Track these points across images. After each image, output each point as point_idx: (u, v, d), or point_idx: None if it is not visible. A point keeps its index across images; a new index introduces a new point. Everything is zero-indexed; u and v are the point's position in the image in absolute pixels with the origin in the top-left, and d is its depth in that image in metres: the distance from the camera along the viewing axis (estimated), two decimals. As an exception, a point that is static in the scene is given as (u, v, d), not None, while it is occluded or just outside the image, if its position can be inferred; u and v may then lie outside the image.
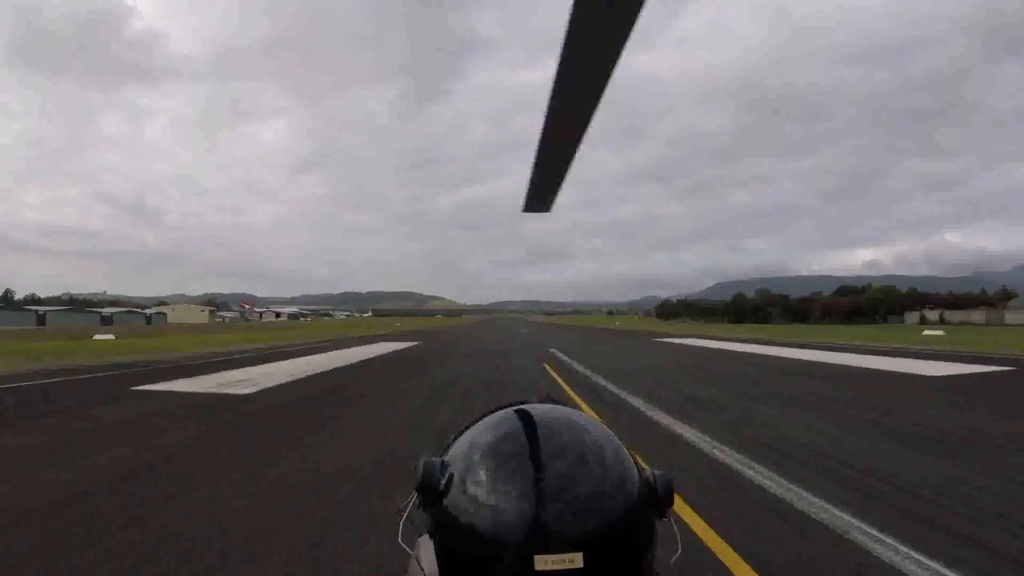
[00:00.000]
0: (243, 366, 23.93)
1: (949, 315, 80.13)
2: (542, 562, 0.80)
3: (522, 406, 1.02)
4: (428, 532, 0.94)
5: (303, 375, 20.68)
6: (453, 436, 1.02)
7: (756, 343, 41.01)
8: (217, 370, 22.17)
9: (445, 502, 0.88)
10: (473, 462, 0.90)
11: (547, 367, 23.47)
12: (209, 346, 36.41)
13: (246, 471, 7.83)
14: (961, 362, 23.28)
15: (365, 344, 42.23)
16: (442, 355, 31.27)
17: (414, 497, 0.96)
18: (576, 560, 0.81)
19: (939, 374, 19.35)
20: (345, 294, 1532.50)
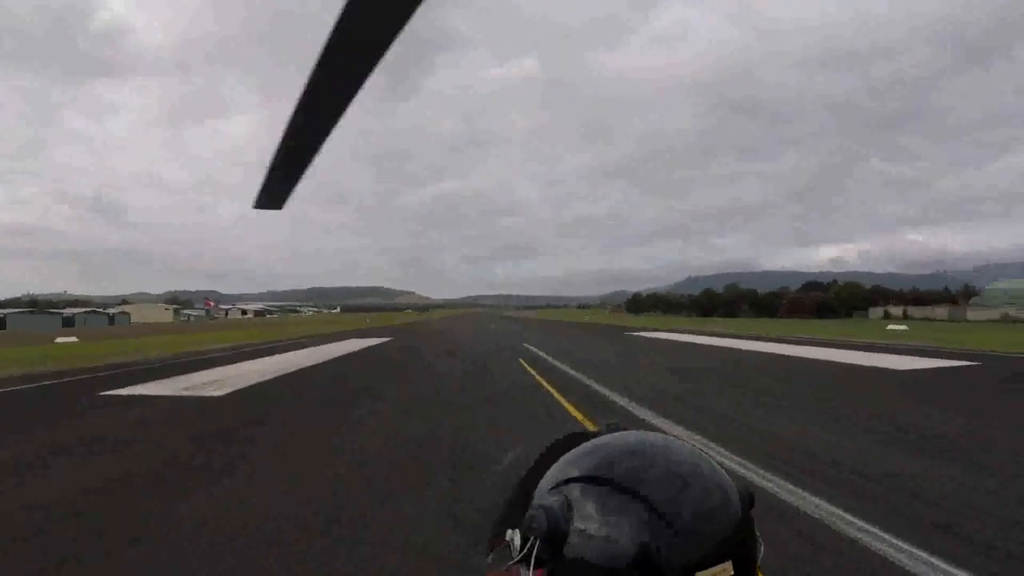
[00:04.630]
0: (213, 367, 23.57)
1: (912, 311, 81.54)
2: None
3: (601, 435, 1.03)
4: None
5: (272, 376, 20.57)
6: (528, 476, 1.04)
7: (725, 337, 41.49)
8: (185, 372, 21.87)
9: (577, 546, 0.87)
10: (599, 498, 0.89)
11: (523, 363, 23.61)
12: (177, 347, 35.79)
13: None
14: (926, 356, 23.75)
15: (333, 342, 41.70)
16: (414, 352, 31.17)
17: (529, 547, 0.91)
18: (728, 568, 0.86)
19: (903, 368, 19.78)
20: (312, 290, 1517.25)
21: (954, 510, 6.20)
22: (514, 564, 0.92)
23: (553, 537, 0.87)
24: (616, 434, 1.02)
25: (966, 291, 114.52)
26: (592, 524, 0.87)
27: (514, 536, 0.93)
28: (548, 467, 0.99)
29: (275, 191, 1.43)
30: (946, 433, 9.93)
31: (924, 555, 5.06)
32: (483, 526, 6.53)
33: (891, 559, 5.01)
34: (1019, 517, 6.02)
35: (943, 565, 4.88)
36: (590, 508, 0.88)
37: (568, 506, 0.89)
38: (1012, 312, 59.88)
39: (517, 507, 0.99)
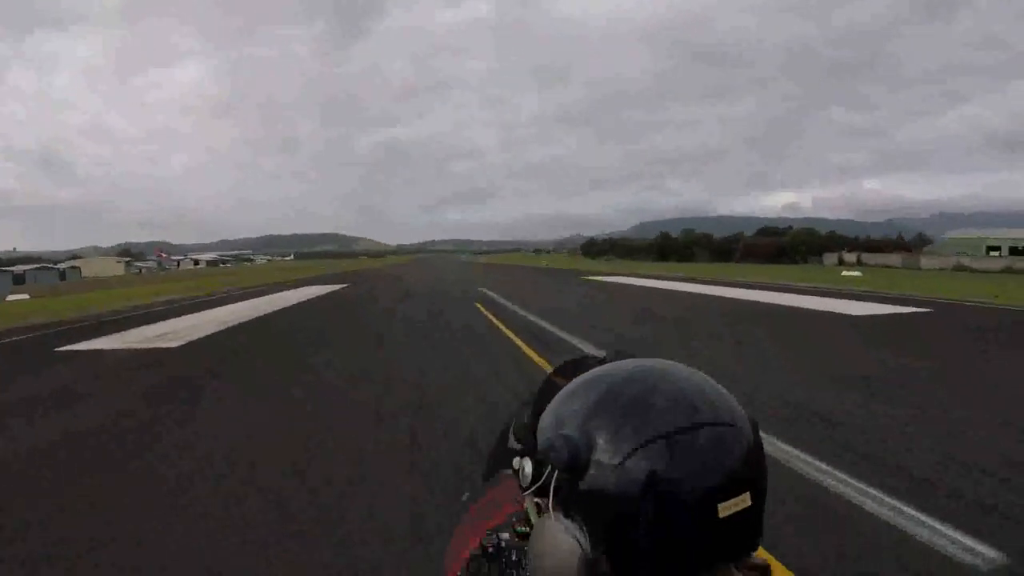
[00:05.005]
0: (167, 319, 23.31)
1: (867, 258, 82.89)
2: (724, 509, 0.83)
3: (607, 362, 1.01)
4: (563, 513, 0.88)
5: (227, 326, 20.60)
6: (532, 406, 1.01)
7: (681, 281, 41.78)
8: (139, 325, 21.64)
9: (595, 477, 0.85)
10: (616, 428, 0.86)
11: (479, 307, 24.01)
12: (129, 300, 35.11)
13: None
14: (876, 302, 24.05)
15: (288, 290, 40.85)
16: (371, 300, 31.28)
17: (547, 476, 0.88)
18: (746, 499, 0.85)
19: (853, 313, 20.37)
20: (266, 237, 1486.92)
21: (873, 439, 6.77)
22: (526, 493, 0.93)
23: (573, 467, 0.85)
24: (625, 361, 0.99)
25: (920, 239, 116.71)
26: (609, 456, 0.84)
27: (524, 465, 0.93)
28: (552, 396, 0.97)
29: None
30: (871, 374, 10.34)
31: (843, 475, 5.59)
32: (435, 442, 6.97)
33: (811, 478, 5.52)
34: (911, 432, 6.68)
35: (857, 483, 5.40)
36: (606, 439, 0.85)
37: (588, 436, 0.86)
38: (965, 261, 61.10)
39: (522, 436, 0.99)
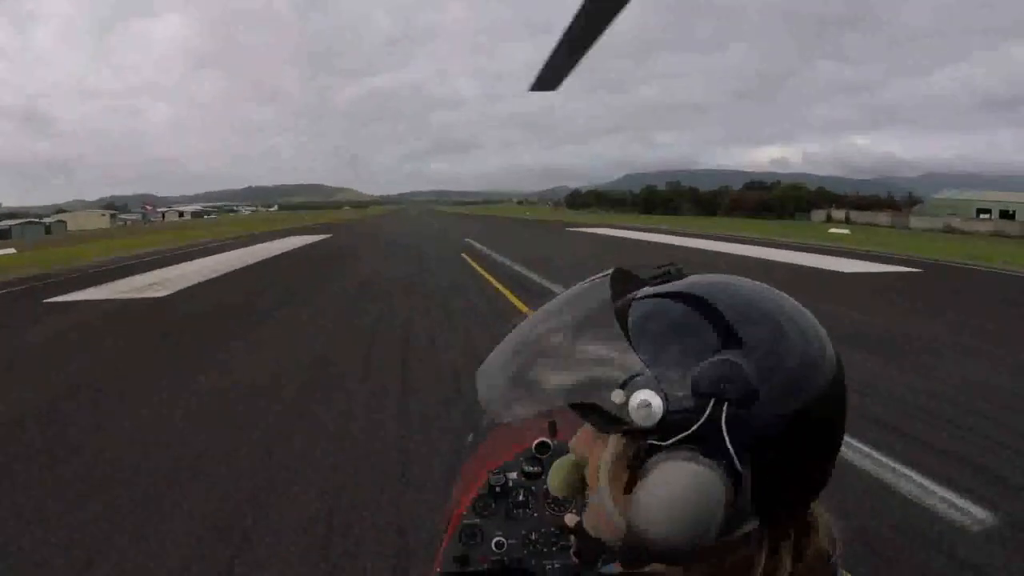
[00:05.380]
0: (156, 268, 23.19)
1: (855, 216, 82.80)
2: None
3: (676, 281, 0.86)
4: (700, 451, 0.74)
5: (216, 274, 20.74)
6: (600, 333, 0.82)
7: (666, 234, 41.82)
8: (126, 275, 21.54)
9: (764, 403, 0.74)
10: (770, 346, 0.77)
11: (465, 257, 24.18)
12: (116, 252, 34.82)
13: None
14: (866, 260, 23.91)
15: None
16: (357, 247, 31.62)
17: (710, 412, 0.74)
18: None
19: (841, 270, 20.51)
20: (249, 188, 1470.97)
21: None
22: (680, 440, 0.74)
23: (746, 398, 0.74)
24: (718, 276, 0.86)
25: (910, 199, 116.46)
26: (765, 379, 0.75)
27: (646, 399, 0.74)
28: (630, 318, 0.81)
29: (556, 70, 1.35)
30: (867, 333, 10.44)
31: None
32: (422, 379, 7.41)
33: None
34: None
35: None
36: (759, 361, 0.75)
37: (747, 360, 0.75)
38: (955, 223, 61.18)
39: (612, 368, 0.78)
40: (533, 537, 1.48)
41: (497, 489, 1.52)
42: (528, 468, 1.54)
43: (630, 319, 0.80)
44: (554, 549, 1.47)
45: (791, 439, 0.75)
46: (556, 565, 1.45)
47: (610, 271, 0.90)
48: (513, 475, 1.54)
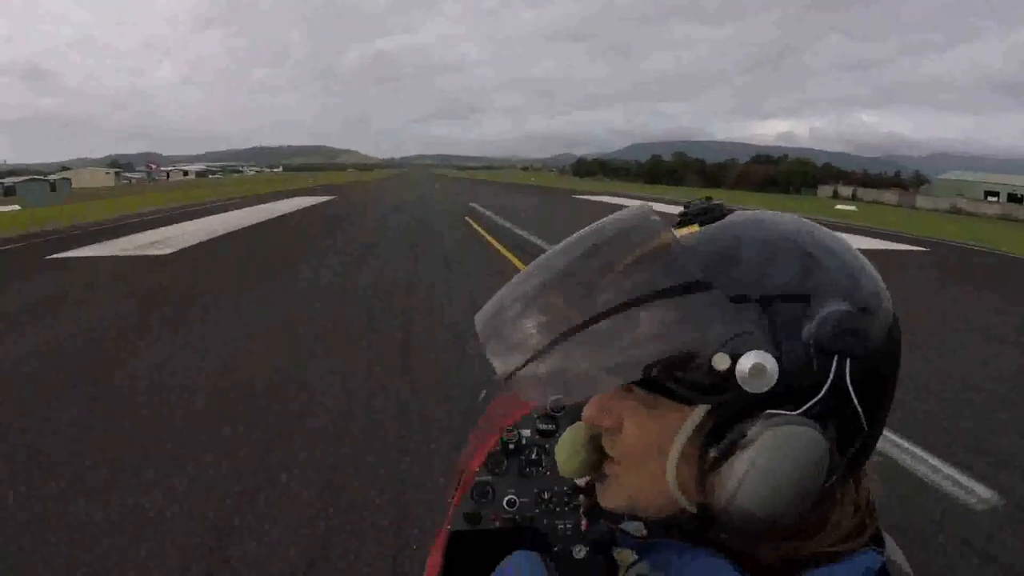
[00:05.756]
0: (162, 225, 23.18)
1: (862, 193, 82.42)
2: None
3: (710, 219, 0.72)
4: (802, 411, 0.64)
5: (220, 234, 20.89)
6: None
7: (674, 204, 41.07)
8: (131, 233, 21.51)
9: (875, 355, 0.67)
10: (866, 290, 0.69)
11: (469, 221, 24.31)
12: (120, 209, 34.59)
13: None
14: (874, 237, 23.53)
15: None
16: (363, 212, 31.49)
17: (838, 369, 0.64)
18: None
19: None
20: (254, 149, 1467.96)
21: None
22: (814, 405, 0.64)
23: (866, 352, 0.65)
24: (773, 212, 0.75)
25: (917, 178, 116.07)
26: (868, 326, 0.67)
27: (759, 361, 0.62)
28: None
29: None
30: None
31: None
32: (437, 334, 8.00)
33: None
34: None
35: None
36: (861, 303, 0.68)
37: (859, 307, 0.67)
38: (962, 205, 60.75)
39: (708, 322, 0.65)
40: (546, 496, 1.48)
41: (510, 447, 1.51)
42: (542, 426, 1.52)
43: (709, 263, 0.66)
44: (567, 509, 1.47)
45: (888, 387, 0.70)
46: (569, 525, 1.46)
47: (645, 204, 0.76)
48: (527, 433, 1.53)
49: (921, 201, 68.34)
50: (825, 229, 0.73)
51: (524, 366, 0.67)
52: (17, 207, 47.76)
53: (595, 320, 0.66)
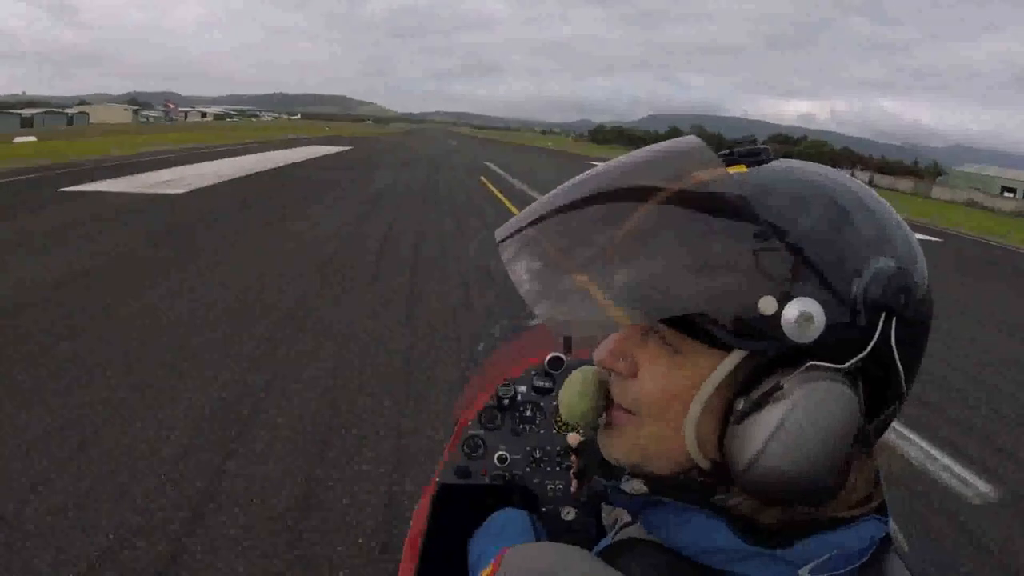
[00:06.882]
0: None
1: (878, 179, 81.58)
2: None
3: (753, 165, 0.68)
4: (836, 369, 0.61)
5: (232, 176, 21.27)
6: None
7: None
8: (145, 171, 21.55)
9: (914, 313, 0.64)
10: (907, 248, 0.66)
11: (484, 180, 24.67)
12: (136, 147, 34.50)
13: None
14: None
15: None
16: (378, 163, 31.67)
17: (884, 327, 0.61)
18: None
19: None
20: (273, 95, 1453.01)
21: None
22: (854, 362, 0.60)
23: (907, 308, 0.62)
24: (823, 169, 0.70)
25: (935, 168, 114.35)
26: (910, 283, 0.63)
27: (806, 310, 0.58)
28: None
29: None
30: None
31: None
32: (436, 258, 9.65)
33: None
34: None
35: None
36: (904, 261, 0.64)
37: (903, 263, 0.64)
38: (977, 198, 59.83)
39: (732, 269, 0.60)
40: (537, 455, 1.46)
41: (505, 402, 1.47)
42: (539, 383, 1.50)
43: (763, 204, 0.62)
44: (558, 469, 1.45)
45: (921, 354, 0.67)
46: (559, 485, 1.44)
47: (693, 137, 0.72)
48: (523, 389, 1.50)
49: (937, 191, 67.37)
50: (869, 187, 0.70)
51: (552, 285, 0.63)
52: (33, 138, 47.69)
53: (640, 242, 0.61)
